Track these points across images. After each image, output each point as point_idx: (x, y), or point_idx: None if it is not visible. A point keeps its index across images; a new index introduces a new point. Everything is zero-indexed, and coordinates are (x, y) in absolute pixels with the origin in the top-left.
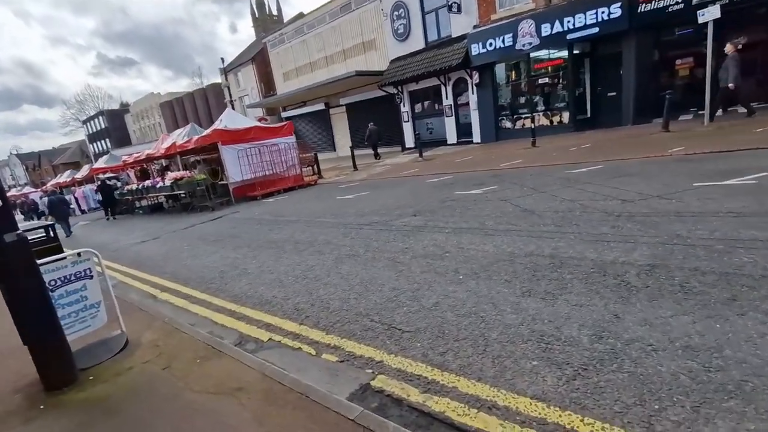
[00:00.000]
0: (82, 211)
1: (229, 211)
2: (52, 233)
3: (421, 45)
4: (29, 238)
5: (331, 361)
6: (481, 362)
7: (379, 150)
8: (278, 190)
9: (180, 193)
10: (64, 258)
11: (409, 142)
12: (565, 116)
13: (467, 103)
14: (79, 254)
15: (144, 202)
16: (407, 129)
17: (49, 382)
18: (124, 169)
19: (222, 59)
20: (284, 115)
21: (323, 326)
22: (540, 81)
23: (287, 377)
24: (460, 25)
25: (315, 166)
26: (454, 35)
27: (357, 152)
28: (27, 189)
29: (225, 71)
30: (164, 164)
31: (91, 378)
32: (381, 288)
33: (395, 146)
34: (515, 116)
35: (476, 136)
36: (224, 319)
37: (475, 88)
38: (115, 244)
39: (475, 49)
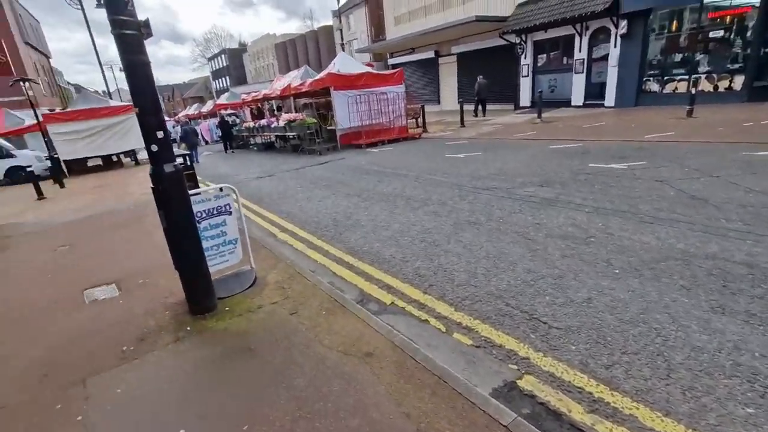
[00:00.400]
0: (206, 142)
1: (335, 157)
2: (189, 162)
3: None
4: None
5: (465, 344)
6: (666, 391)
7: (488, 107)
8: (382, 140)
9: (290, 135)
10: (208, 191)
11: (525, 100)
12: (738, 81)
13: (604, 58)
14: (221, 189)
15: (258, 140)
16: (524, 84)
17: (193, 306)
18: (242, 106)
19: None
20: (391, 61)
21: (450, 300)
22: (710, 34)
23: (419, 353)
24: None
25: (420, 119)
26: None
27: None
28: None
29: (339, 12)
30: (275, 105)
31: (227, 309)
32: (513, 267)
33: (507, 104)
34: (666, 77)
35: (609, 99)
36: (343, 272)
37: (619, 39)
38: (235, 176)
39: None
